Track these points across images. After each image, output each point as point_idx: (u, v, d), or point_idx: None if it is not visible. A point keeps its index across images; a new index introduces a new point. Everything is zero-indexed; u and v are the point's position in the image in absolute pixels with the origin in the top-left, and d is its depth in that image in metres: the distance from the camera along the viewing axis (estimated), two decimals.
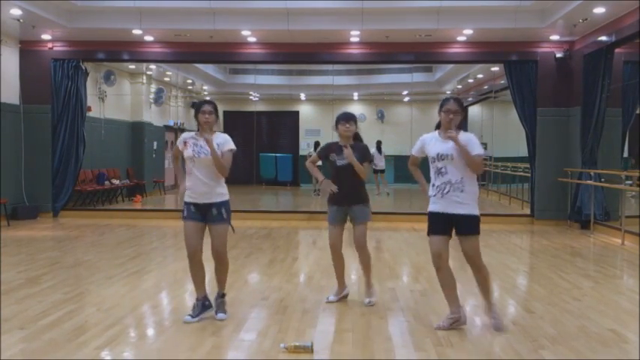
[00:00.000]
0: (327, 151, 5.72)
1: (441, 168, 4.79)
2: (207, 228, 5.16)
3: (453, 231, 4.87)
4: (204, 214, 5.09)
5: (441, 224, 4.85)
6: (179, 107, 19.52)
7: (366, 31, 11.71)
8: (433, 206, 4.89)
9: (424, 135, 5.04)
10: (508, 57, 12.34)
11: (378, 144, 18.09)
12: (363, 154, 5.58)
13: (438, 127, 4.99)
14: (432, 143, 4.90)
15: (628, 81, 11.75)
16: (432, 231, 4.93)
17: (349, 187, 5.54)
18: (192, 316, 5.09)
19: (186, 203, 5.12)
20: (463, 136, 4.80)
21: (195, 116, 5.14)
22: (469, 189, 4.76)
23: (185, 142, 5.10)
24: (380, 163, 17.92)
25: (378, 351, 4.41)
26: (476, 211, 4.79)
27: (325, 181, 5.61)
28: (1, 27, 11.27)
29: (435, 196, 4.86)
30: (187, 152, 5.07)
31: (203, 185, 5.03)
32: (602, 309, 5.64)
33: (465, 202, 4.75)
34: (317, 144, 17.28)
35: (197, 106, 5.17)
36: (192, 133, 5.17)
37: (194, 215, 5.10)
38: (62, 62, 12.68)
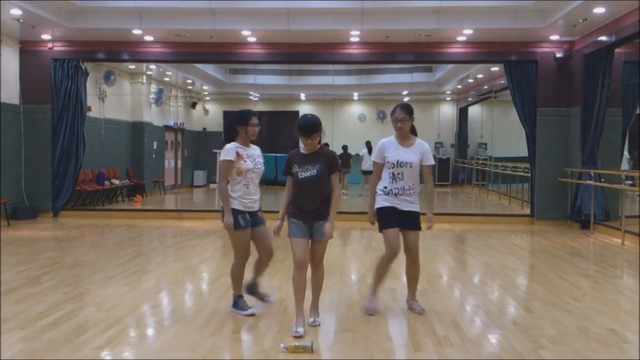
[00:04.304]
0: (289, 164, 4.89)
1: (398, 174, 5.19)
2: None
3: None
4: (254, 219, 5.24)
5: (395, 218, 5.23)
6: (179, 107, 19.53)
7: (366, 31, 11.71)
8: (385, 202, 5.24)
9: (382, 140, 5.37)
10: (508, 57, 12.35)
11: (368, 145, 17.69)
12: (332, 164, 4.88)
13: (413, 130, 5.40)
14: (391, 149, 5.25)
15: (628, 81, 11.75)
16: (388, 225, 5.24)
17: (315, 201, 4.82)
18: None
19: (240, 212, 5.12)
20: (418, 147, 5.28)
21: (243, 125, 5.13)
22: (416, 192, 5.30)
23: (238, 154, 5.10)
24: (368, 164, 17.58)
25: (378, 351, 4.41)
26: (419, 209, 5.31)
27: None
28: (1, 27, 11.27)
29: (387, 195, 5.23)
30: (246, 164, 5.11)
31: (256, 194, 5.25)
32: (602, 309, 5.64)
33: (414, 202, 5.29)
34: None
35: (244, 117, 5.16)
36: (236, 144, 5.15)
37: (248, 223, 5.19)
38: (62, 62, 12.68)
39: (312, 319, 4.95)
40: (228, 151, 5.11)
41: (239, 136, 5.18)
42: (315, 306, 5.04)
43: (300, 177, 4.78)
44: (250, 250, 5.29)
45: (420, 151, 5.25)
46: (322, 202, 4.79)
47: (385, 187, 5.25)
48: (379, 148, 5.31)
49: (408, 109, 5.27)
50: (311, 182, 4.77)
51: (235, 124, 5.19)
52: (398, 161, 5.19)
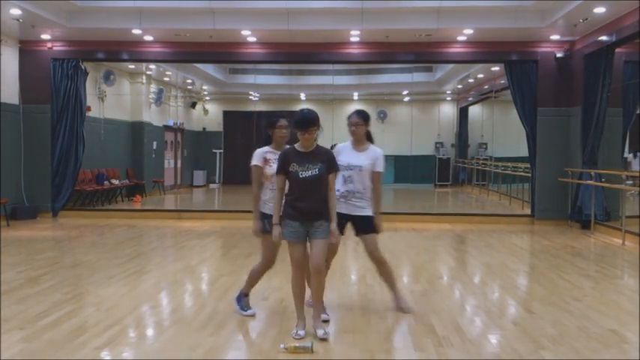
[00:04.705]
0: (286, 163, 4.73)
1: (348, 176, 5.30)
2: None
3: (348, 231, 5.47)
4: None
5: (339, 225, 5.10)
6: (179, 107, 19.52)
7: (366, 31, 11.71)
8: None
9: (338, 145, 5.56)
10: (508, 57, 12.34)
11: None
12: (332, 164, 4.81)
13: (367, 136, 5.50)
14: (345, 152, 5.38)
15: (628, 81, 11.74)
16: None
17: (316, 200, 4.71)
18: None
19: (267, 216, 5.01)
20: (371, 152, 5.38)
21: (271, 129, 5.12)
22: (367, 197, 5.35)
23: (266, 159, 5.07)
24: None
25: (378, 351, 4.40)
26: (372, 213, 5.34)
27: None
28: (1, 27, 11.27)
29: (337, 199, 5.18)
30: (271, 169, 5.02)
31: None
32: (602, 309, 5.63)
33: (365, 206, 5.35)
34: None
35: (272, 120, 5.16)
36: (267, 148, 5.13)
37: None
38: (62, 62, 12.68)
39: (321, 332, 4.62)
40: (256, 156, 5.11)
41: (273, 140, 5.17)
42: (318, 314, 4.78)
43: (301, 176, 4.63)
44: (276, 258, 5.21)
45: (373, 157, 5.34)
46: (322, 201, 4.70)
47: (338, 190, 5.27)
48: (334, 153, 5.38)
49: (363, 115, 5.43)
50: (313, 182, 4.63)
51: (267, 128, 5.20)
52: (348, 164, 5.30)
